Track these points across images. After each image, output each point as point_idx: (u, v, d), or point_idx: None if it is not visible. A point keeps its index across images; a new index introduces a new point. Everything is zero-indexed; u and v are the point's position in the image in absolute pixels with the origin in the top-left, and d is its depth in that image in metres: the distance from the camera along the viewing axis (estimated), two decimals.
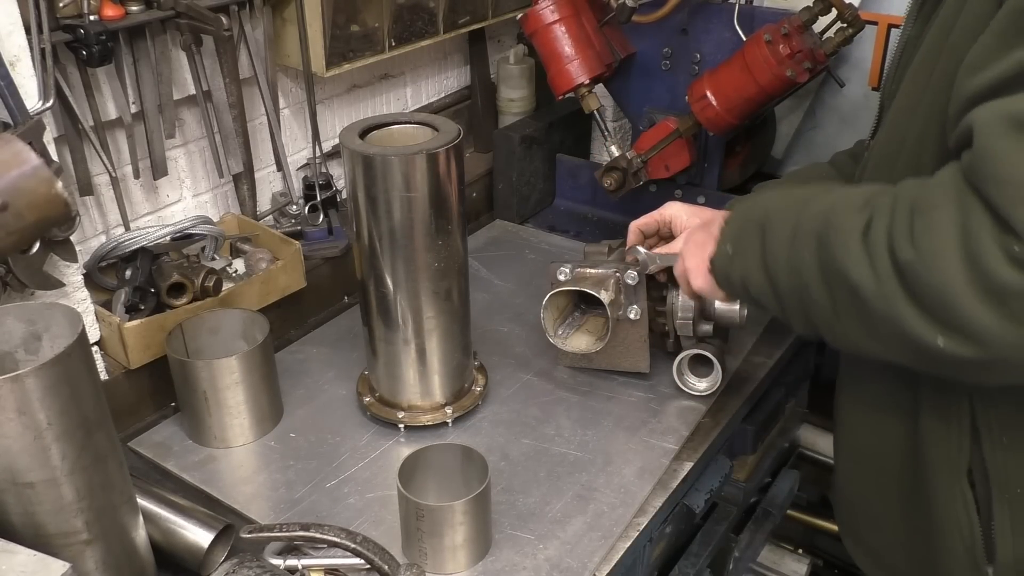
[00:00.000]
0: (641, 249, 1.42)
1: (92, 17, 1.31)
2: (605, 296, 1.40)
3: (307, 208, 1.78)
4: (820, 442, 2.25)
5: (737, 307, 1.45)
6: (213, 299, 1.47)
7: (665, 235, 1.44)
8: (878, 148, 1.13)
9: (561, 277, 1.47)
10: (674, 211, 1.41)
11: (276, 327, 1.56)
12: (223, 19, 1.41)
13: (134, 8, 1.38)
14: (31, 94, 1.21)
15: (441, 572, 1.19)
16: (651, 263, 1.41)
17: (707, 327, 1.46)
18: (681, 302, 1.45)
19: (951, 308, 0.82)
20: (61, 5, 1.28)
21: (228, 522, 1.19)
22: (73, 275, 1.33)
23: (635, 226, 1.44)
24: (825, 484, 2.21)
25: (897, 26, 1.94)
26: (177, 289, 1.45)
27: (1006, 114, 0.80)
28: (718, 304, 1.45)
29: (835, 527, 2.38)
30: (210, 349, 1.45)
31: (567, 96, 1.83)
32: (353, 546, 1.05)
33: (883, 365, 1.07)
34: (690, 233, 1.29)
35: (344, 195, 1.74)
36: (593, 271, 1.46)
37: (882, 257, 0.87)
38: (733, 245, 1.11)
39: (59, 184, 1.06)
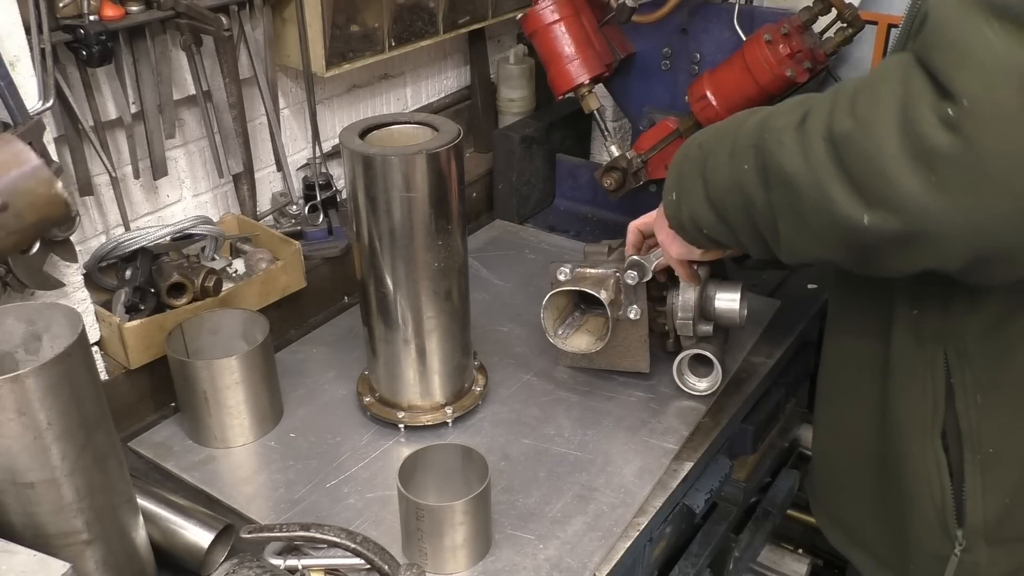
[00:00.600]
0: (637, 257, 1.42)
1: (92, 17, 1.31)
2: (605, 296, 1.40)
3: (307, 208, 1.78)
4: None
5: (737, 307, 1.45)
6: (213, 299, 1.47)
7: None
8: None
9: (561, 277, 1.47)
10: None
11: (276, 327, 1.56)
12: (223, 19, 1.41)
13: (134, 8, 1.38)
14: (31, 94, 1.21)
15: (441, 572, 1.19)
16: (649, 265, 1.41)
17: (707, 327, 1.46)
18: (681, 302, 1.45)
19: (880, 175, 0.83)
20: (61, 5, 1.28)
21: (228, 522, 1.19)
22: (73, 275, 1.33)
23: (635, 226, 1.44)
24: None
25: (897, 26, 1.94)
26: (177, 289, 1.45)
27: None
28: (718, 304, 1.45)
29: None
30: (210, 349, 1.45)
31: (567, 96, 1.83)
32: (353, 546, 1.05)
33: (859, 325, 1.10)
34: (658, 213, 1.30)
35: (344, 195, 1.74)
36: (593, 271, 1.46)
37: (815, 140, 0.88)
38: (676, 190, 1.14)
39: (59, 184, 1.06)
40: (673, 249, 1.29)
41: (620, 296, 1.44)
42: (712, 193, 1.06)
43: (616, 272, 1.44)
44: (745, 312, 1.46)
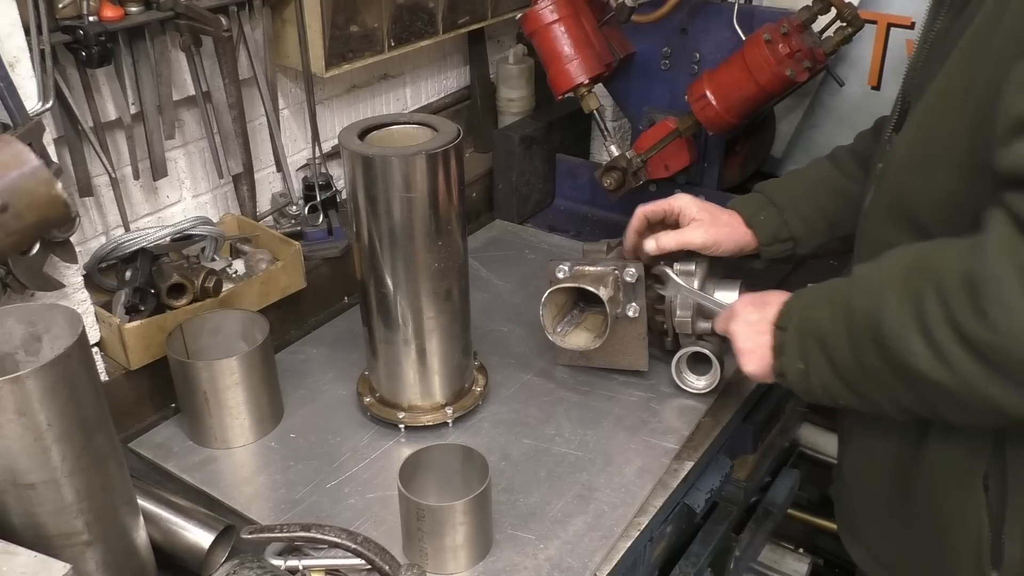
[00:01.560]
0: (672, 273, 1.44)
1: (91, 18, 1.31)
2: (604, 293, 1.40)
3: (307, 209, 1.78)
4: (821, 441, 2.25)
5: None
6: (213, 300, 1.47)
7: (671, 224, 1.46)
8: (905, 147, 1.10)
9: (560, 275, 1.47)
10: (683, 203, 1.43)
11: (276, 328, 1.56)
12: (222, 20, 1.41)
13: (133, 9, 1.38)
14: (31, 95, 1.21)
15: (442, 572, 1.19)
16: (677, 293, 1.43)
17: (706, 325, 1.46)
18: (680, 300, 1.45)
19: None
20: (60, 6, 1.28)
21: (229, 523, 1.19)
22: (73, 276, 1.33)
23: (642, 212, 1.45)
24: (826, 483, 2.21)
25: (897, 25, 1.94)
26: (177, 290, 1.45)
27: None
28: (716, 298, 1.45)
29: (836, 526, 2.38)
30: (210, 350, 1.45)
31: (567, 96, 1.83)
32: (354, 546, 1.05)
33: None
34: (742, 306, 1.25)
35: (344, 195, 1.74)
36: (592, 268, 1.47)
37: (950, 347, 0.86)
38: (804, 360, 1.09)
39: (59, 185, 1.06)
40: (750, 369, 1.21)
41: (619, 294, 1.44)
42: (845, 376, 1.03)
43: (615, 270, 1.45)
44: None
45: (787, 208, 1.45)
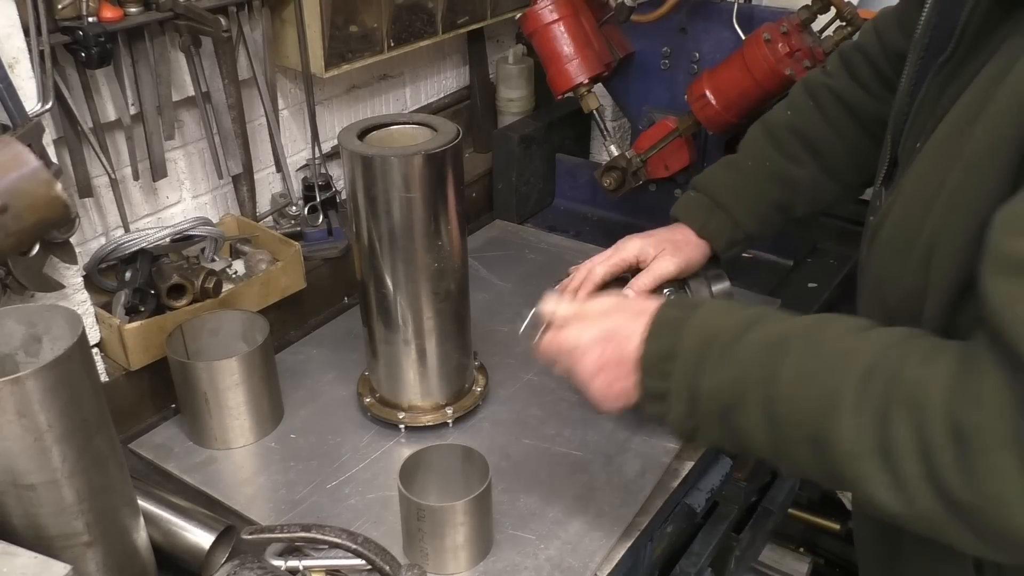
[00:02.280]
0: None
1: (91, 19, 1.31)
2: None
3: (307, 209, 1.78)
4: None
5: (730, 287, 1.44)
6: (213, 300, 1.47)
7: (633, 270, 1.39)
8: (900, 211, 0.99)
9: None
10: (637, 246, 1.37)
11: (276, 328, 1.56)
12: (222, 20, 1.41)
13: (133, 10, 1.38)
14: (30, 96, 1.21)
15: (442, 572, 1.19)
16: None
17: None
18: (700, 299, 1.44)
19: (1021, 548, 0.75)
20: (60, 7, 1.28)
21: (229, 523, 1.19)
22: (73, 277, 1.33)
23: (599, 277, 1.35)
24: None
25: None
26: (177, 290, 1.45)
27: None
28: (715, 288, 1.44)
29: (836, 526, 2.39)
30: (210, 350, 1.45)
31: (566, 96, 1.83)
32: (354, 547, 1.05)
33: None
34: (591, 342, 1.02)
35: (343, 196, 1.74)
36: None
37: (918, 486, 0.76)
38: (692, 424, 0.94)
39: (59, 186, 1.06)
40: (607, 408, 1.04)
41: None
42: (751, 448, 0.91)
43: None
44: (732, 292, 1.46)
45: (736, 209, 1.40)
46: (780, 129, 1.42)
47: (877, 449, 0.78)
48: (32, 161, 1.03)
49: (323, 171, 1.79)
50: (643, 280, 1.37)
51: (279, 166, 1.74)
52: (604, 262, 1.38)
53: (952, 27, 0.97)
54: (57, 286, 1.27)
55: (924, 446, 0.75)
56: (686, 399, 0.94)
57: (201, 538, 1.16)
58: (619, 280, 1.42)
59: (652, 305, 1.00)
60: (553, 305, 1.09)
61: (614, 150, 1.82)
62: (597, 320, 1.04)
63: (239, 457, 1.40)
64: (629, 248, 1.38)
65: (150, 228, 1.52)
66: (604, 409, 1.05)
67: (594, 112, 1.80)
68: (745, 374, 0.89)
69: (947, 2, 0.99)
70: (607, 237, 1.62)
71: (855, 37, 1.71)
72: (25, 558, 0.88)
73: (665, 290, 1.41)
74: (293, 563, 1.12)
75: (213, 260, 1.59)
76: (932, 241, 0.86)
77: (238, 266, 1.63)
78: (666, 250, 1.38)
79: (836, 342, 0.87)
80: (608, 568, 1.21)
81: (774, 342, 0.89)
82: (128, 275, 1.47)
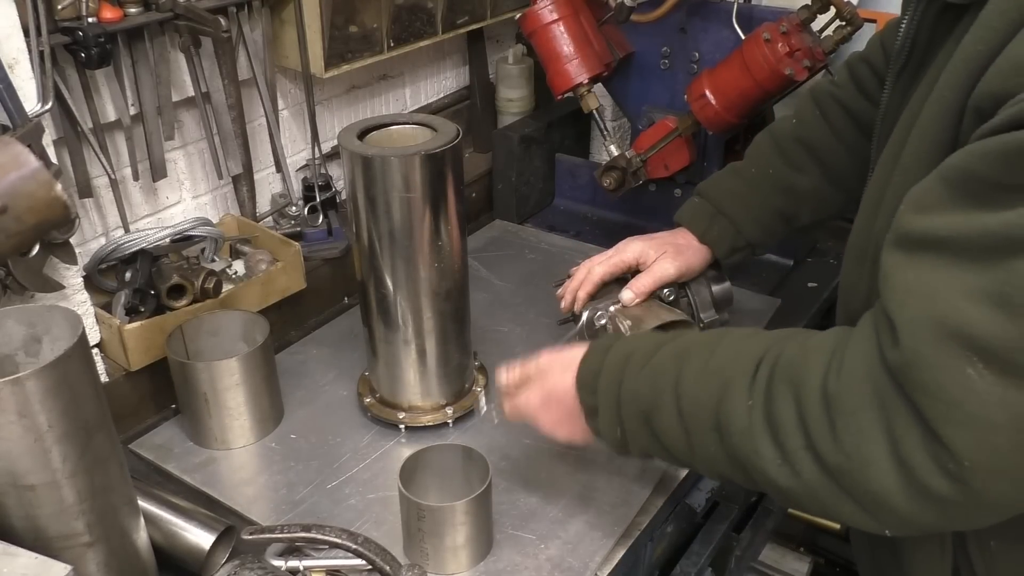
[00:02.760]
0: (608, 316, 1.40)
1: (90, 19, 1.31)
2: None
3: (307, 209, 1.78)
4: None
5: (730, 285, 1.44)
6: (213, 301, 1.47)
7: (634, 271, 1.41)
8: (858, 221, 1.05)
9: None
10: (638, 248, 1.38)
11: (276, 328, 1.56)
12: (221, 21, 1.41)
13: (132, 10, 1.38)
14: (30, 96, 1.21)
15: (443, 572, 1.19)
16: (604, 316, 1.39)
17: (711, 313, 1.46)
18: (699, 302, 1.43)
19: (893, 512, 0.79)
20: (59, 7, 1.28)
21: (229, 524, 1.19)
22: (73, 277, 1.33)
23: (599, 277, 1.38)
24: None
25: None
26: (177, 291, 1.45)
27: (938, 321, 0.72)
28: (715, 290, 1.44)
29: (836, 526, 2.39)
30: (210, 351, 1.45)
31: (566, 96, 1.83)
32: (354, 547, 1.05)
33: None
34: (539, 409, 1.16)
35: (343, 196, 1.74)
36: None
37: (801, 457, 0.82)
38: (621, 431, 1.03)
39: (58, 186, 1.06)
40: (561, 436, 1.16)
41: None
42: (672, 450, 0.99)
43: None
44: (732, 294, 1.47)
45: (739, 216, 1.41)
46: (785, 138, 1.42)
47: (766, 426, 0.84)
48: (32, 162, 1.03)
49: (323, 171, 1.79)
50: (643, 281, 1.37)
51: (279, 166, 1.74)
52: (604, 262, 1.39)
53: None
54: (57, 286, 1.27)
55: (802, 417, 0.81)
56: (612, 407, 1.03)
57: (201, 538, 1.16)
58: (618, 281, 1.42)
59: (579, 352, 1.11)
60: (503, 377, 1.22)
61: (614, 150, 1.82)
62: (537, 383, 1.16)
63: (239, 457, 1.40)
64: (629, 250, 1.38)
65: (150, 228, 1.52)
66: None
67: (594, 112, 1.80)
68: (657, 379, 0.98)
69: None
70: (607, 237, 1.62)
71: (853, 38, 1.72)
72: (25, 558, 0.88)
73: (665, 290, 1.41)
74: (293, 563, 1.12)
75: (213, 260, 1.59)
76: (879, 248, 0.88)
77: (238, 266, 1.63)
78: (667, 253, 1.38)
79: (732, 344, 0.95)
80: (608, 568, 1.21)
81: (680, 351, 0.99)
82: (128, 275, 1.47)
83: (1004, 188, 0.70)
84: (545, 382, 1.15)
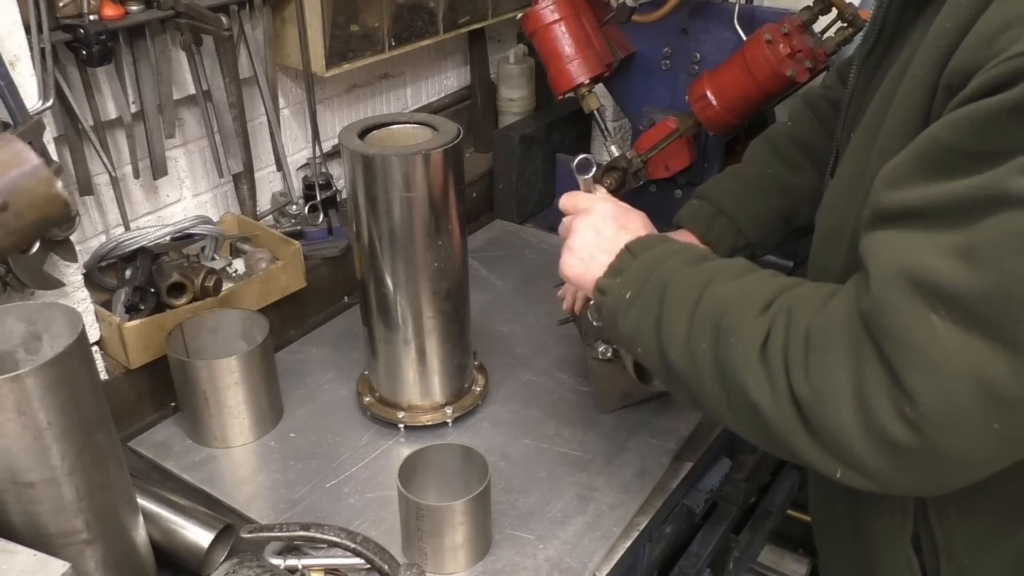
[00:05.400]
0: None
1: (92, 17, 1.31)
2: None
3: (307, 208, 1.78)
4: None
5: None
6: (213, 299, 1.47)
7: None
8: (830, 199, 1.07)
9: (601, 349, 1.43)
10: None
11: (276, 327, 1.56)
12: (223, 19, 1.41)
13: (134, 8, 1.38)
14: (31, 94, 1.21)
15: (441, 572, 1.19)
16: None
17: None
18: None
19: (847, 451, 0.81)
20: (61, 5, 1.28)
21: (228, 522, 1.19)
22: (73, 275, 1.33)
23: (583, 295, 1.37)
24: None
25: None
26: (177, 289, 1.45)
27: (905, 270, 0.76)
28: None
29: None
30: (210, 349, 1.45)
31: (567, 96, 1.83)
32: (353, 546, 1.05)
33: None
34: (601, 216, 1.15)
35: (344, 195, 1.74)
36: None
37: (780, 382, 0.85)
38: (632, 295, 1.03)
39: (59, 184, 1.06)
40: (584, 287, 1.13)
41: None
42: (664, 333, 0.98)
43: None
44: None
45: (739, 216, 1.41)
46: (782, 140, 1.43)
47: (762, 343, 0.88)
48: (33, 159, 1.03)
49: (323, 170, 1.79)
50: None
51: (279, 165, 1.74)
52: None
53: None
54: (57, 284, 1.27)
55: (785, 343, 0.85)
56: (643, 275, 1.03)
57: (200, 536, 1.16)
58: None
59: (642, 225, 1.15)
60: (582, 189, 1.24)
61: (615, 150, 1.82)
62: (596, 217, 1.16)
63: (238, 456, 1.40)
64: None
65: (150, 226, 1.52)
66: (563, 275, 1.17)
67: (595, 112, 1.80)
68: (697, 272, 1.00)
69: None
70: None
71: (854, 40, 1.72)
72: (24, 555, 0.88)
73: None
74: (292, 562, 1.12)
75: (213, 259, 1.59)
76: (856, 226, 0.90)
77: (238, 265, 1.63)
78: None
79: (770, 274, 0.99)
80: (607, 568, 1.21)
81: (725, 265, 1.02)
82: (128, 273, 1.47)
83: (971, 155, 0.73)
84: (603, 222, 1.14)
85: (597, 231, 1.13)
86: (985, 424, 0.74)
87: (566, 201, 1.22)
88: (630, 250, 1.07)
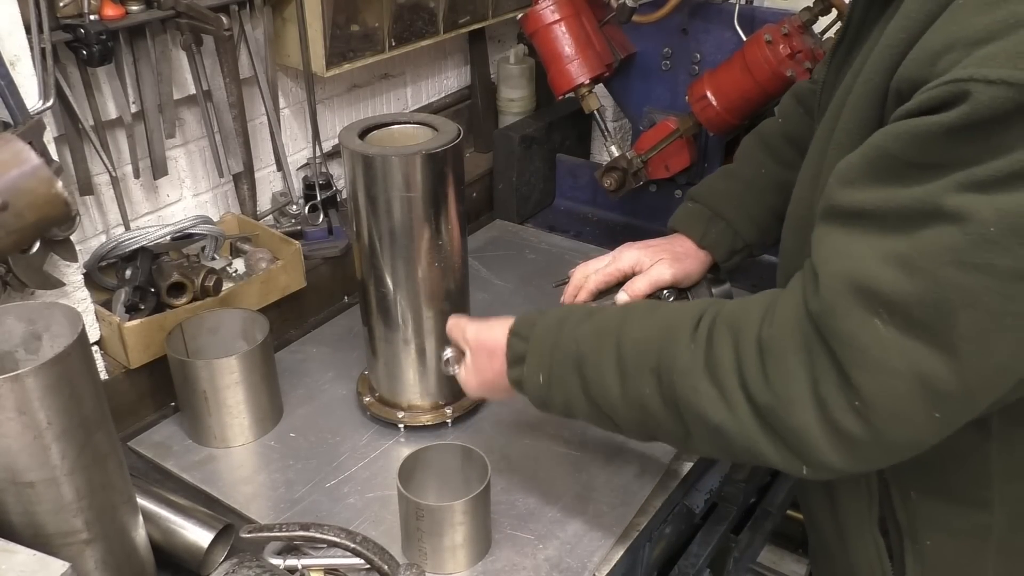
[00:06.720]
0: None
1: (92, 17, 1.31)
2: None
3: (307, 208, 1.78)
4: None
5: (730, 288, 1.44)
6: (213, 299, 1.47)
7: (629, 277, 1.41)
8: (797, 191, 1.12)
9: None
10: (633, 256, 1.37)
11: (276, 327, 1.56)
12: (223, 19, 1.41)
13: (134, 8, 1.38)
14: (31, 94, 1.21)
15: (441, 572, 1.19)
16: None
17: None
18: None
19: (809, 448, 0.86)
20: (61, 5, 1.29)
21: (228, 522, 1.19)
22: (73, 275, 1.33)
23: (594, 286, 1.38)
24: None
25: None
26: (177, 289, 1.45)
27: (852, 278, 0.81)
28: (714, 291, 1.44)
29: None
30: (210, 349, 1.45)
31: (567, 96, 1.83)
32: (353, 546, 1.05)
33: None
34: (474, 354, 1.20)
35: (344, 195, 1.74)
36: None
37: (736, 397, 0.90)
38: (546, 376, 1.07)
39: (59, 184, 1.06)
40: (473, 386, 1.21)
41: None
42: (597, 397, 1.03)
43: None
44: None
45: (736, 218, 1.41)
46: (773, 137, 1.43)
47: (706, 367, 0.92)
48: (33, 159, 1.03)
49: (324, 170, 1.79)
50: (638, 284, 1.36)
51: (280, 165, 1.74)
52: (599, 271, 1.38)
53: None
54: (57, 284, 1.27)
55: (738, 360, 0.89)
56: (545, 352, 1.07)
57: (200, 536, 1.16)
58: (617, 285, 1.42)
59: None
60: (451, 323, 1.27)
61: (615, 151, 1.82)
62: (473, 326, 1.22)
63: (238, 456, 1.40)
64: (625, 258, 1.38)
65: (150, 226, 1.52)
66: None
67: (595, 112, 1.80)
68: (600, 326, 1.04)
69: None
70: (607, 238, 1.63)
71: None
72: (24, 555, 0.88)
73: (664, 292, 1.41)
74: (292, 562, 1.12)
75: (213, 259, 1.59)
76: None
77: (238, 265, 1.63)
78: (664, 259, 1.38)
79: (674, 304, 1.05)
80: (606, 568, 1.21)
81: (625, 309, 1.07)
82: (128, 273, 1.47)
83: (915, 166, 0.78)
84: (480, 330, 1.20)
85: (477, 342, 1.19)
86: (926, 414, 0.81)
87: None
88: (517, 334, 1.13)
